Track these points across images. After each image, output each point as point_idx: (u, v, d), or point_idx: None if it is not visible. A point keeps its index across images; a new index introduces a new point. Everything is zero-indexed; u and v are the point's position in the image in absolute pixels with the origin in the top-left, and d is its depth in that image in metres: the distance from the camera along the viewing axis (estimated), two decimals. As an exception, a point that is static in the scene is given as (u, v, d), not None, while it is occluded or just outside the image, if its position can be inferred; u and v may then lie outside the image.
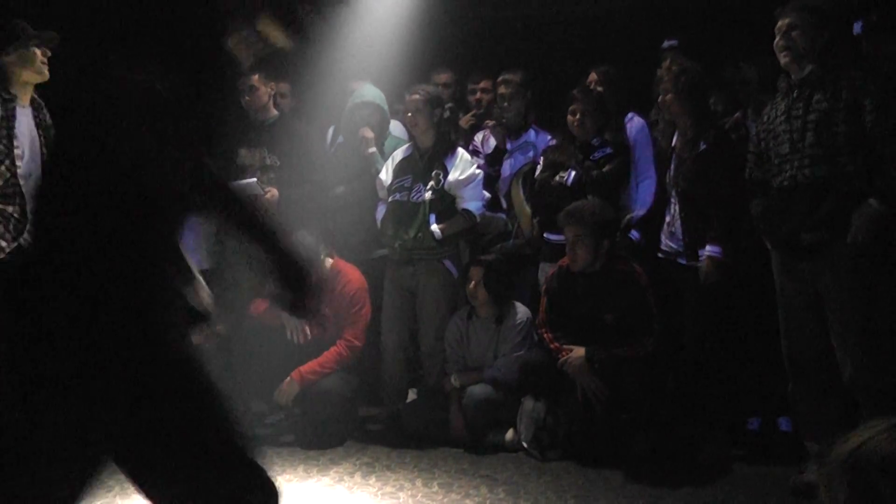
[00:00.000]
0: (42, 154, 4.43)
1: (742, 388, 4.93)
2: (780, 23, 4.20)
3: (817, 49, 4.13)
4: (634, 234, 5.26)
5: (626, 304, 4.90)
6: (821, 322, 4.14)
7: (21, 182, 4.29)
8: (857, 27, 4.76)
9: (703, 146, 4.78)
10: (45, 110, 4.54)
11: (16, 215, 4.25)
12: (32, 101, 4.49)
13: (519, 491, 4.36)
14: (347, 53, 6.24)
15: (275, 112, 5.84)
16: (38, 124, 4.47)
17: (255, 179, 5.54)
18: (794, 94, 4.19)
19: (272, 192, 5.54)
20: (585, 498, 4.24)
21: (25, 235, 4.26)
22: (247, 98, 5.71)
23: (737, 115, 5.29)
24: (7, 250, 4.23)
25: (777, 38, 4.21)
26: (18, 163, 4.31)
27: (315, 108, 6.37)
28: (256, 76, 5.71)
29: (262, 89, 5.73)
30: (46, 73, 4.43)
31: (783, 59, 4.21)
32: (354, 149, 5.75)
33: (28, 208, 4.30)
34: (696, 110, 4.84)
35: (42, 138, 4.46)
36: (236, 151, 5.71)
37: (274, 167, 5.68)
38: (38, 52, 4.38)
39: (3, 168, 4.25)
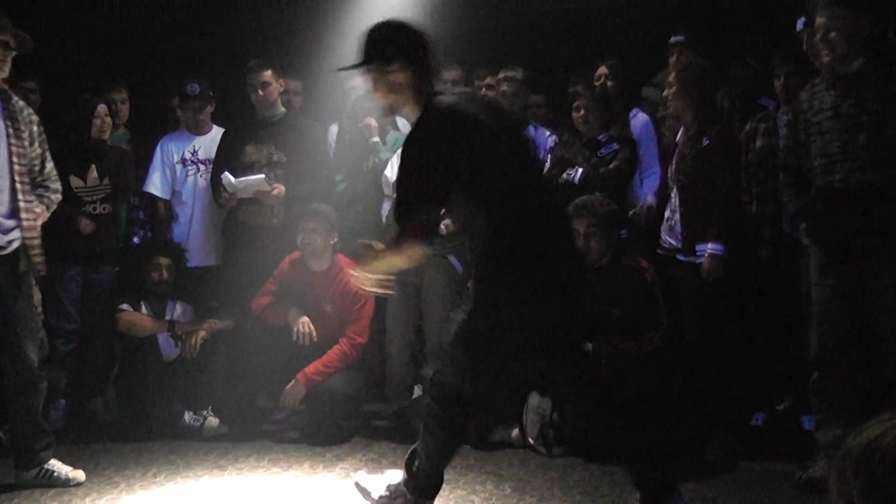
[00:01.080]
0: (9, 144, 4.29)
1: (746, 385, 4.93)
2: (817, 21, 4.07)
3: (861, 43, 3.97)
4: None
5: (632, 299, 4.90)
6: (857, 316, 4.08)
7: None
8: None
9: (705, 142, 4.76)
10: (15, 101, 4.42)
11: None
12: (1, 92, 4.38)
13: (525, 487, 4.36)
14: (353, 49, 6.23)
15: (282, 108, 5.84)
16: (7, 115, 4.33)
17: (262, 175, 5.55)
18: (842, 90, 4.04)
19: (279, 189, 5.55)
20: (591, 494, 4.24)
21: None
22: (260, 93, 5.70)
23: (768, 109, 5.23)
24: None
25: (816, 37, 4.10)
26: None
27: (322, 105, 6.38)
28: (269, 72, 5.70)
29: (274, 85, 5.73)
30: (6, 70, 4.31)
31: (825, 58, 4.08)
32: (358, 143, 5.73)
33: None
34: (701, 106, 4.82)
35: (11, 129, 4.32)
36: (244, 147, 5.71)
37: (281, 163, 5.68)
38: None
39: None
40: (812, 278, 4.28)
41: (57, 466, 4.46)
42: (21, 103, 4.47)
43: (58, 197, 4.65)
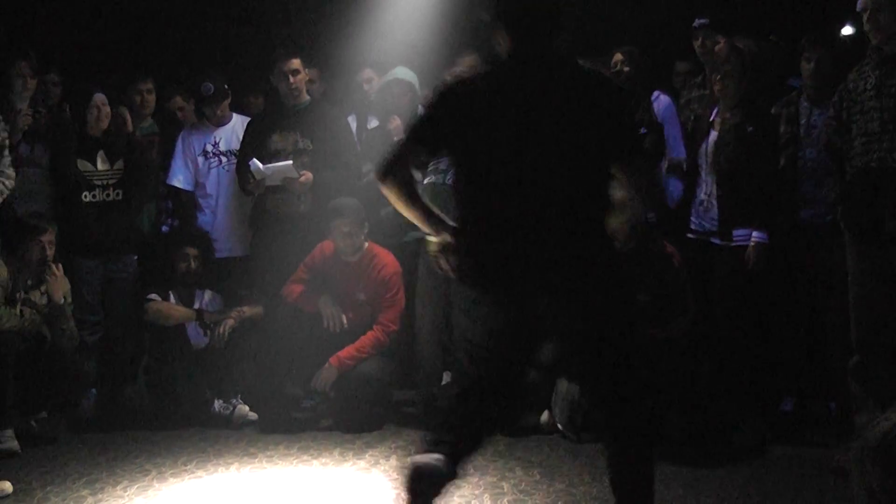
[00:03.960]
0: None
1: (776, 370, 4.90)
2: (863, 1, 4.04)
3: None
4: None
5: (659, 284, 4.87)
6: (893, 301, 4.03)
7: None
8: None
9: (749, 129, 4.73)
10: None
11: None
12: None
13: (554, 473, 4.37)
14: (376, 38, 6.25)
15: (307, 97, 5.84)
16: None
17: (290, 162, 5.55)
18: (887, 70, 3.99)
19: (307, 176, 5.55)
20: (621, 480, 4.23)
21: None
22: (290, 80, 5.68)
23: (793, 93, 5.16)
24: None
25: (864, 18, 4.06)
26: None
27: (345, 93, 6.38)
28: (298, 60, 5.70)
29: (303, 73, 5.73)
30: None
31: (873, 38, 4.05)
32: (385, 133, 5.71)
33: None
34: (749, 91, 4.77)
35: None
36: (269, 136, 5.72)
37: (307, 151, 5.68)
38: None
39: None
40: (849, 264, 4.23)
41: None
42: None
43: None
